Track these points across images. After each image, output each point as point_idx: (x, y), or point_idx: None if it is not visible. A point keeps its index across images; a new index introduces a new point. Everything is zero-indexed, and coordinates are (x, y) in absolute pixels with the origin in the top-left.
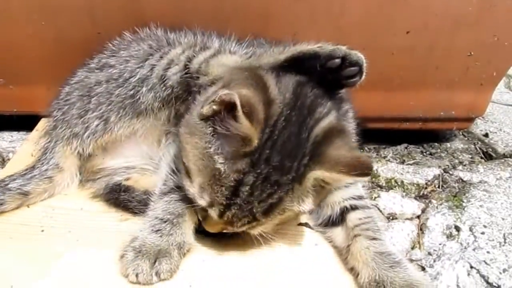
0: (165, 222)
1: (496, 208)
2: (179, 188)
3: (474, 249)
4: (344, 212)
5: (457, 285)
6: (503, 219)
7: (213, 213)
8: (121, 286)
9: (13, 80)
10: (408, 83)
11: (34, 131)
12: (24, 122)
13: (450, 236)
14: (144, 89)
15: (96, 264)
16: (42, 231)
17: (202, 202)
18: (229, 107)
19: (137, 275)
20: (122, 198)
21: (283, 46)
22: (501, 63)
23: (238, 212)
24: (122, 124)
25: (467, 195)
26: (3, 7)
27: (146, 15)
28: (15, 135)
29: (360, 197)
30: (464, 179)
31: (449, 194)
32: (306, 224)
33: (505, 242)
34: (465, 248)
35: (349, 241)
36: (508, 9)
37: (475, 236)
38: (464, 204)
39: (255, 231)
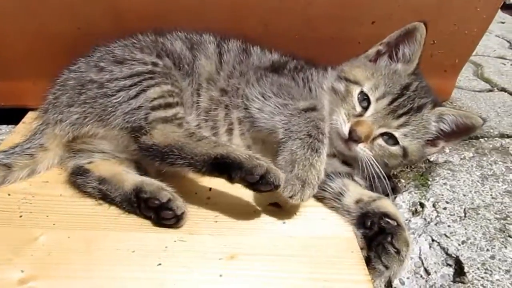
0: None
1: (458, 186)
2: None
3: (436, 224)
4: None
5: (419, 257)
6: (464, 195)
7: (383, 102)
8: (91, 263)
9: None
10: None
11: (20, 123)
12: (11, 116)
13: (415, 213)
14: (118, 111)
15: (70, 246)
16: (21, 216)
17: (377, 93)
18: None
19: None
20: (78, 181)
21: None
22: (462, 50)
23: (404, 103)
24: (95, 129)
25: (432, 174)
26: None
27: (125, 10)
28: (4, 128)
29: None
30: (431, 160)
31: (416, 174)
32: (275, 204)
33: (465, 217)
34: (428, 223)
35: None
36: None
37: (437, 212)
38: (429, 183)
39: (402, 131)
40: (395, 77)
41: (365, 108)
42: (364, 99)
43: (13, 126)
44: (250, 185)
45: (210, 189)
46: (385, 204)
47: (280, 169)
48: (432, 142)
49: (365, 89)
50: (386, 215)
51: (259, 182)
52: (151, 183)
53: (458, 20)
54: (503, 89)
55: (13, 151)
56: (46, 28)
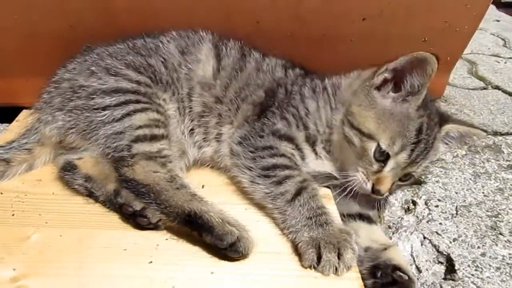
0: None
1: (451, 183)
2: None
3: (428, 221)
4: None
5: (411, 254)
6: (456, 193)
7: (403, 156)
8: (83, 262)
9: None
10: (368, 67)
11: (14, 121)
12: (4, 114)
13: (407, 210)
14: (101, 131)
15: (62, 244)
16: (13, 215)
17: (395, 148)
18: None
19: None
20: (66, 177)
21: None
22: (453, 48)
23: (421, 148)
24: (78, 141)
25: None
26: None
27: (117, 9)
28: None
29: None
30: None
31: None
32: None
33: (457, 214)
34: (420, 220)
35: None
36: None
37: (429, 209)
38: (422, 181)
39: (419, 170)
40: (408, 121)
41: (383, 162)
42: (381, 153)
43: (6, 124)
44: (218, 250)
45: (203, 186)
46: (396, 255)
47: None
48: None
49: (383, 146)
50: (397, 268)
51: (228, 249)
52: None
53: (449, 17)
54: (497, 87)
55: (11, 146)
56: (38, 26)
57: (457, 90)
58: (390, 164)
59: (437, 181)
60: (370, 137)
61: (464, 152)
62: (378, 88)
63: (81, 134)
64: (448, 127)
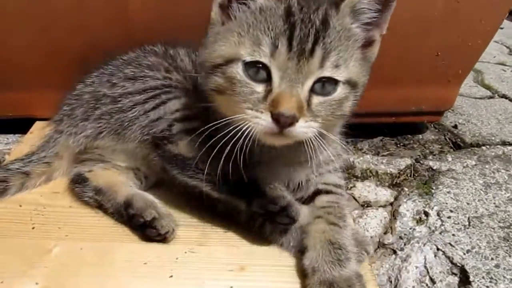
0: None
1: (462, 194)
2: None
3: (440, 233)
4: (316, 193)
5: (425, 266)
6: (468, 203)
7: (281, 51)
8: (104, 275)
9: (8, 87)
10: (382, 82)
11: (28, 133)
12: (19, 126)
13: (419, 221)
14: (135, 126)
15: (82, 258)
16: (33, 228)
17: (265, 49)
18: None
19: None
20: (76, 189)
21: None
22: (465, 61)
23: (303, 32)
24: (110, 142)
25: (436, 182)
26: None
27: (135, 25)
28: (11, 137)
29: (338, 186)
30: (434, 168)
31: (419, 182)
32: None
33: (469, 225)
34: (433, 231)
35: (310, 219)
36: (470, 13)
37: (442, 220)
38: (433, 191)
39: (329, 65)
40: (267, 13)
41: (267, 79)
42: (256, 68)
43: (19, 135)
44: (270, 215)
45: None
46: None
47: None
48: (366, 44)
49: (247, 57)
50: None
51: (278, 213)
52: (141, 198)
53: (463, 32)
54: (504, 96)
55: (31, 160)
56: (57, 43)
57: (464, 99)
58: (274, 73)
59: (448, 192)
60: (230, 61)
61: (474, 162)
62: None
63: (113, 134)
64: (346, 2)
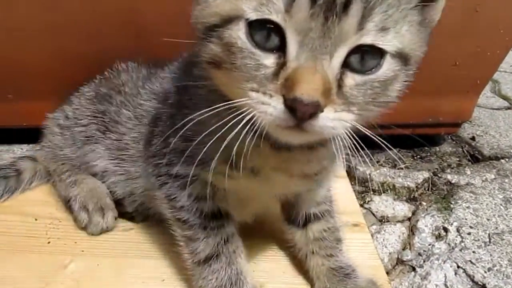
0: None
1: (481, 209)
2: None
3: (461, 250)
4: (308, 219)
5: (445, 284)
6: (488, 219)
7: (302, 1)
8: None
9: (21, 96)
10: None
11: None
12: (32, 135)
13: (438, 237)
14: None
15: (99, 274)
16: (49, 242)
17: (277, 1)
18: None
19: None
20: None
21: None
22: (484, 72)
23: None
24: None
25: (454, 197)
26: (11, 27)
27: (147, 33)
28: (25, 147)
29: (329, 200)
30: (452, 182)
31: (438, 196)
32: None
33: (490, 242)
34: (453, 248)
35: (307, 251)
36: (489, 22)
37: (462, 237)
38: (452, 206)
39: (369, 32)
40: None
41: (280, 47)
42: (266, 30)
43: (34, 145)
44: None
45: None
46: None
47: None
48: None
49: (252, 15)
50: None
51: None
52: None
53: (481, 42)
54: None
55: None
56: (69, 51)
57: (481, 110)
58: (291, 38)
59: (468, 207)
60: (228, 20)
61: (493, 176)
62: None
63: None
64: None
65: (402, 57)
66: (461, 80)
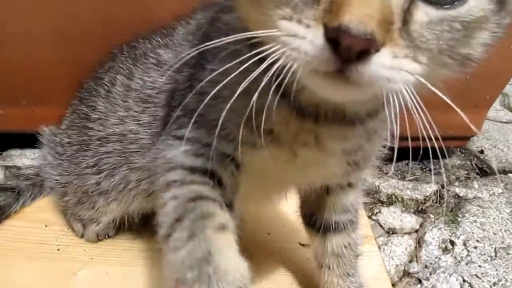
0: None
1: (488, 223)
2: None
3: (467, 263)
4: (329, 227)
5: None
6: (494, 233)
7: None
8: None
9: (35, 101)
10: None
11: None
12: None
13: (445, 250)
14: None
15: (108, 282)
16: (58, 249)
17: None
18: None
19: None
20: None
21: None
22: (493, 87)
23: None
24: None
25: (462, 210)
26: (26, 33)
27: None
28: (37, 152)
29: (355, 211)
30: (460, 195)
31: (445, 209)
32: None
33: (496, 256)
34: (459, 262)
35: (323, 263)
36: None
37: (468, 251)
38: (459, 219)
39: None
40: None
41: None
42: None
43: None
44: None
45: None
46: None
47: None
48: None
49: None
50: None
51: None
52: None
53: (491, 58)
54: None
55: None
56: (83, 58)
57: (491, 123)
58: None
59: (475, 221)
60: None
61: (500, 190)
62: None
63: None
64: None
65: None
66: (471, 95)
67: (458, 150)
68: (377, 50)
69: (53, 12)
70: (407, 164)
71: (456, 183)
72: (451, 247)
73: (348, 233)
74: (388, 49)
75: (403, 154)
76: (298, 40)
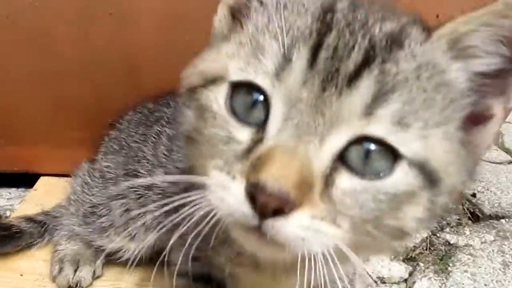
0: None
1: (479, 273)
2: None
3: None
4: None
5: None
6: (485, 285)
7: (298, 63)
8: None
9: (13, 141)
10: None
11: (33, 190)
12: (21, 179)
13: None
14: None
15: None
16: None
17: (267, 61)
18: None
19: None
20: None
21: None
22: None
23: (343, 36)
24: None
25: (452, 258)
26: (5, 71)
27: (144, 84)
28: (13, 192)
29: None
30: (451, 242)
31: (435, 257)
32: None
33: None
34: None
35: None
36: None
37: None
38: (449, 269)
39: (382, 120)
40: (291, 9)
41: (263, 123)
42: (251, 98)
43: (22, 189)
44: None
45: None
46: None
47: None
48: (474, 117)
49: (235, 75)
50: None
51: None
52: None
53: None
54: None
55: None
56: (64, 98)
57: (483, 164)
58: (276, 109)
59: (466, 271)
60: (211, 81)
61: (492, 238)
62: None
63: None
64: (450, 26)
65: (426, 172)
66: None
67: None
68: (292, 209)
69: (38, 53)
70: None
71: (447, 229)
72: None
73: None
74: (306, 210)
75: None
76: (223, 192)
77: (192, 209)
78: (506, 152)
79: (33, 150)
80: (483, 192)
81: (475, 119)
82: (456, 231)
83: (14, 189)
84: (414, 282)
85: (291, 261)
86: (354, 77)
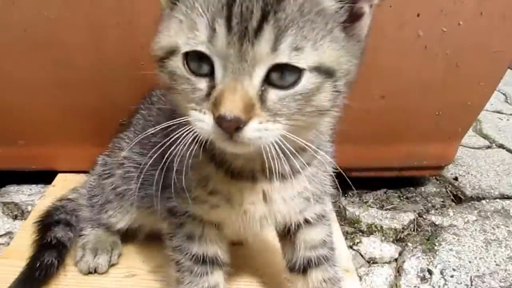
0: None
1: (464, 251)
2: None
3: None
4: (308, 264)
5: None
6: (470, 261)
7: (220, 33)
8: None
9: (32, 142)
10: (384, 138)
11: (51, 186)
12: (41, 176)
13: (423, 279)
14: None
15: None
16: None
17: (201, 34)
18: None
19: None
20: None
21: None
22: (465, 120)
23: (243, 4)
24: None
25: (438, 238)
26: (24, 79)
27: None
28: (34, 188)
29: (328, 248)
30: (436, 223)
31: (422, 237)
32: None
33: (471, 285)
34: None
35: None
36: (469, 76)
37: (445, 279)
38: (436, 248)
39: (283, 51)
40: None
41: (211, 72)
42: (198, 59)
43: (42, 185)
44: None
45: None
46: None
47: None
48: (350, 19)
49: (184, 47)
50: None
51: None
52: None
53: (462, 93)
54: (501, 146)
55: None
56: (75, 102)
57: (463, 149)
58: (217, 64)
59: (451, 249)
60: (170, 53)
61: (474, 218)
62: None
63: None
64: None
65: (324, 71)
66: (443, 128)
67: (434, 177)
68: (246, 124)
69: (51, 62)
70: (385, 192)
71: (432, 211)
72: (429, 276)
73: (325, 268)
74: (255, 119)
75: (381, 183)
76: (200, 123)
77: (184, 135)
78: (484, 138)
79: (51, 150)
80: (464, 175)
81: (354, 18)
82: (441, 213)
83: (34, 185)
84: (403, 261)
85: (258, 152)
86: (258, 30)
